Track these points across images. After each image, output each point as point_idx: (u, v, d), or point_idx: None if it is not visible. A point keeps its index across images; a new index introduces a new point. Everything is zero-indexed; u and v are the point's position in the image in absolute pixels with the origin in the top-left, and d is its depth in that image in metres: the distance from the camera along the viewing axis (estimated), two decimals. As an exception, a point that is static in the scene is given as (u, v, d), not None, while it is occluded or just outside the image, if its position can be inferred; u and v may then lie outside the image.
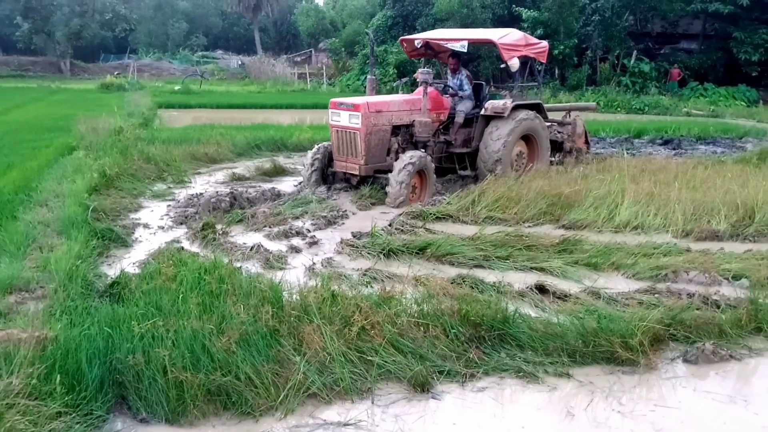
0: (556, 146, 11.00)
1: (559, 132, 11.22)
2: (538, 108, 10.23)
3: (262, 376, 3.76)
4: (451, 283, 5.44)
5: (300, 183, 9.76)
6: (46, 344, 3.77)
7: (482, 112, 9.77)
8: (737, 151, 14.63)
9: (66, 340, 3.79)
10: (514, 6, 31.55)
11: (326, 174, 9.55)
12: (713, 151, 14.82)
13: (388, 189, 8.62)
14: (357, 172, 9.01)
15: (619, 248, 6.55)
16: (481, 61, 30.92)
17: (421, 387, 3.91)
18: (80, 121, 14.31)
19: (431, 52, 10.69)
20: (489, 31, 11.95)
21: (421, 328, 4.35)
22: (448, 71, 10.45)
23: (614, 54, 30.56)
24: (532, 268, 6.10)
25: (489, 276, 5.77)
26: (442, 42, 10.20)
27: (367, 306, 4.44)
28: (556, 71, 31.52)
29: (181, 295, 4.48)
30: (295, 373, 3.80)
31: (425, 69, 9.30)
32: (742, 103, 27.83)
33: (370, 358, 4.05)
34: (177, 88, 31.40)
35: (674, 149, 15.02)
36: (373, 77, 10.71)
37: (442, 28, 32.19)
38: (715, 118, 22.28)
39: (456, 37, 9.99)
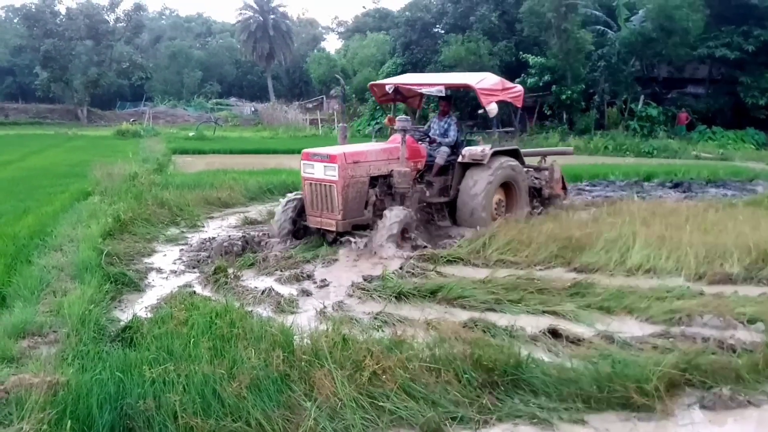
0: (535, 193, 10.62)
1: (536, 178, 10.82)
2: (515, 154, 9.92)
3: (273, 422, 3.73)
4: (463, 326, 5.40)
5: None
6: (57, 389, 3.77)
7: (459, 159, 9.36)
8: (748, 193, 14.59)
9: (77, 385, 3.79)
10: (521, 53, 32.09)
11: (298, 227, 8.91)
12: (723, 193, 14.79)
13: (376, 252, 8.06)
14: (334, 228, 8.38)
15: (631, 292, 6.49)
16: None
17: (434, 433, 3.86)
18: (96, 167, 14.54)
19: (400, 97, 10.34)
20: (465, 75, 11.80)
21: (433, 373, 4.31)
22: (436, 116, 10.12)
23: (621, 99, 30.85)
24: (544, 311, 6.05)
25: (501, 320, 5.73)
26: (415, 87, 9.85)
27: (379, 350, 4.42)
28: (564, 116, 31.82)
29: (192, 340, 4.49)
30: (306, 419, 3.76)
31: (404, 116, 8.90)
32: (751, 146, 27.89)
33: (381, 403, 4.00)
34: (191, 134, 31.94)
35: (684, 192, 14.99)
36: (345, 125, 10.19)
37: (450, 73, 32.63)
38: (724, 161, 22.30)
39: (431, 82, 9.62)
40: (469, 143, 9.95)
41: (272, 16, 57.20)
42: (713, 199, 12.87)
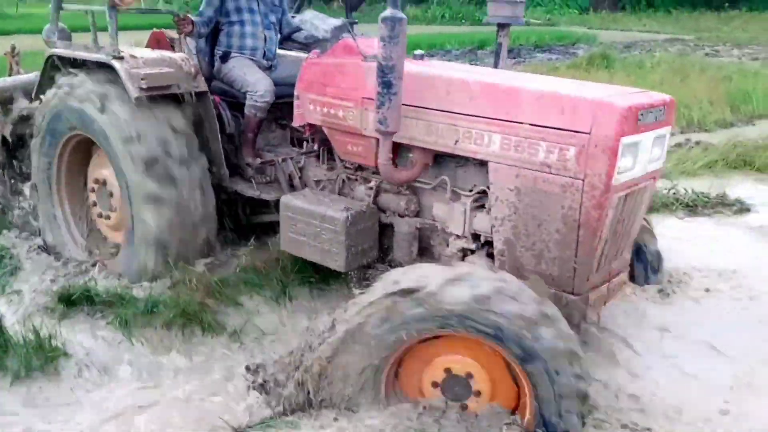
0: None
1: None
2: None
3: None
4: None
5: None
6: None
7: None
8: (570, 57, 15.62)
9: None
10: None
11: None
12: (549, 58, 15.71)
13: None
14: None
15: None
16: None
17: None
18: None
19: None
20: None
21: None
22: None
23: (458, -36, 30.78)
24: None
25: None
26: None
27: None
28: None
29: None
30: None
31: None
32: (575, 10, 29.40)
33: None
34: (-12, 11, 27.79)
35: (514, 58, 15.73)
36: None
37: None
38: (551, 27, 23.46)
39: None
40: None
41: None
42: (539, 64, 13.65)
